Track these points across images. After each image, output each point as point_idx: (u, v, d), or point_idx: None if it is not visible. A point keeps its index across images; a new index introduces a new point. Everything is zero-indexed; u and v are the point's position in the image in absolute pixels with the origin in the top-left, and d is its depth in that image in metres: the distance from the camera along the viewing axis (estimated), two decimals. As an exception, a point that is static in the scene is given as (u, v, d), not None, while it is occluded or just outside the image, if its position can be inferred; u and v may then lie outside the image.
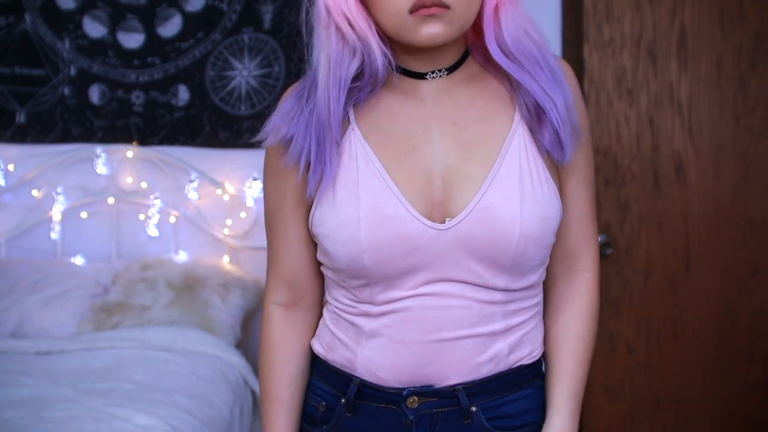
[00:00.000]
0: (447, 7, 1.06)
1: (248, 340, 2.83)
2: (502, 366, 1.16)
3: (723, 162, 2.57)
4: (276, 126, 1.17)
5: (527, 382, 1.20)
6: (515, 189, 1.10)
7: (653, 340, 2.63)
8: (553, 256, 1.22)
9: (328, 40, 1.12)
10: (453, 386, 1.14)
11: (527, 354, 1.19)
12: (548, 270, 1.23)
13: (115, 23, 2.91)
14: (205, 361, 2.36)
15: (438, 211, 1.11)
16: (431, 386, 1.14)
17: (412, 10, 1.06)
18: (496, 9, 1.12)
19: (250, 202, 2.85)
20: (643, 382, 2.64)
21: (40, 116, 2.94)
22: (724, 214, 2.58)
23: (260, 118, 2.91)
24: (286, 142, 1.16)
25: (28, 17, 2.92)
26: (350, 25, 1.10)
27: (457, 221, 1.09)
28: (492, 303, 1.13)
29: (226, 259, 2.87)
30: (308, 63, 1.16)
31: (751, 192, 2.57)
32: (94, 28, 2.92)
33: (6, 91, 2.95)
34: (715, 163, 2.57)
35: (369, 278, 1.13)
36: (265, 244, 3.07)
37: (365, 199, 1.11)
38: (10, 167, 2.93)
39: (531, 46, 1.13)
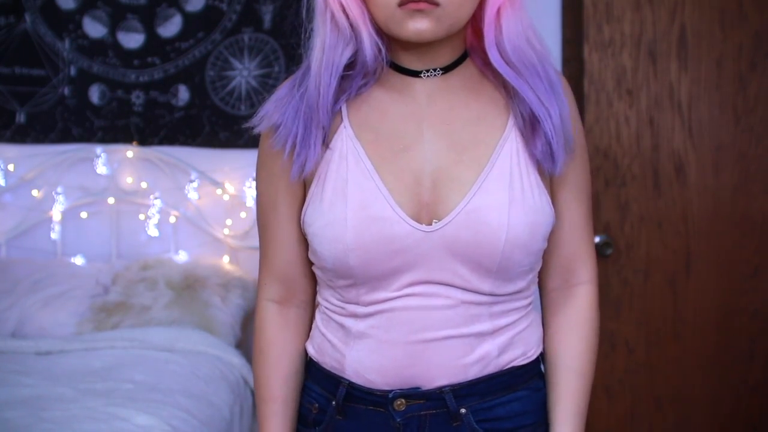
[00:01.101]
0: (436, 3, 1.05)
1: (248, 340, 2.83)
2: (491, 368, 1.14)
3: (723, 162, 2.57)
4: (269, 112, 1.17)
5: (522, 384, 1.18)
6: (504, 193, 1.09)
7: (653, 340, 2.63)
8: (548, 269, 1.21)
9: (323, 26, 1.12)
10: (440, 388, 1.13)
11: (520, 355, 1.17)
12: (545, 283, 1.22)
13: (115, 23, 2.91)
14: (205, 361, 2.36)
15: (426, 213, 1.10)
16: (418, 388, 1.13)
17: (401, 3, 1.05)
18: (498, 13, 1.10)
19: (250, 202, 2.85)
20: (643, 382, 2.64)
21: (40, 116, 2.94)
22: (724, 214, 2.58)
23: (260, 118, 2.91)
24: (276, 128, 1.16)
25: (28, 17, 2.92)
26: (344, 12, 1.10)
27: (444, 224, 1.09)
28: (478, 304, 1.12)
29: (226, 259, 2.87)
30: (304, 49, 1.17)
31: (751, 192, 2.57)
32: (94, 28, 2.92)
33: (6, 91, 2.95)
34: (715, 163, 2.57)
35: (355, 278, 1.12)
36: (265, 244, 3.04)
37: (353, 198, 1.10)
38: (10, 167, 2.93)
39: (531, 55, 1.11)
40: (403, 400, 1.13)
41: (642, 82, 2.58)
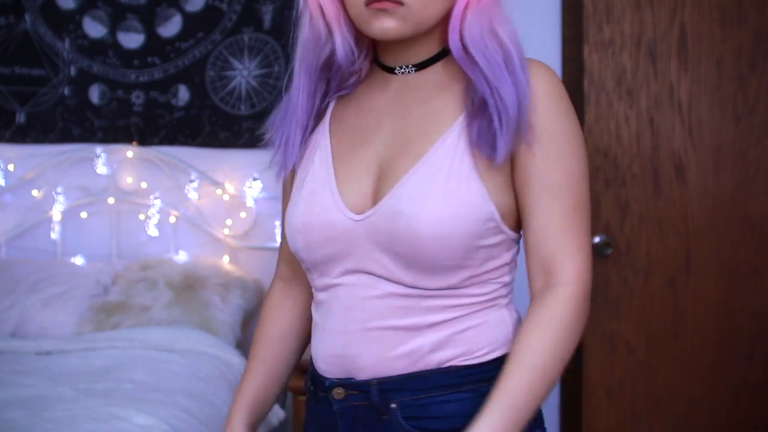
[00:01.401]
0: (400, 3, 1.06)
1: (248, 340, 2.83)
2: (422, 364, 1.11)
3: (723, 162, 2.57)
4: (273, 118, 1.24)
5: (467, 385, 1.12)
6: (427, 185, 1.08)
7: (653, 340, 2.63)
8: (530, 271, 1.15)
9: (303, 27, 1.17)
10: (368, 380, 1.13)
11: (460, 354, 1.12)
12: (530, 287, 1.17)
13: (115, 23, 2.91)
14: (204, 361, 2.36)
15: (369, 204, 1.13)
16: (352, 379, 1.14)
17: (368, 3, 1.07)
18: (467, 7, 1.11)
19: (250, 202, 2.85)
20: (643, 382, 2.64)
21: (40, 116, 2.94)
22: (724, 214, 2.58)
23: (260, 118, 2.91)
24: (270, 130, 1.24)
25: (28, 17, 2.92)
26: (322, 13, 1.14)
27: (370, 214, 1.11)
28: (406, 296, 1.11)
29: (226, 259, 2.87)
30: (291, 50, 1.22)
31: (751, 192, 2.57)
32: (94, 28, 2.92)
33: (6, 91, 2.95)
34: (715, 163, 2.57)
35: (305, 263, 1.18)
36: (264, 244, 3.06)
37: (307, 187, 1.17)
38: (10, 167, 2.93)
39: (494, 47, 1.10)
40: (342, 390, 1.15)
41: (642, 82, 2.58)
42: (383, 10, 1.07)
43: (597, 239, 2.61)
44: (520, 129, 1.08)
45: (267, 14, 2.88)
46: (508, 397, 1.06)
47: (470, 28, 1.10)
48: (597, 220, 2.62)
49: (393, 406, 1.12)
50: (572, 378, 2.66)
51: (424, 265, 1.09)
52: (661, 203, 2.59)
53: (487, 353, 1.13)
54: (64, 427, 1.83)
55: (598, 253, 2.61)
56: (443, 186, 1.07)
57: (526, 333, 1.10)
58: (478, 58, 1.09)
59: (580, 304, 1.11)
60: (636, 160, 2.59)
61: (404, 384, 1.12)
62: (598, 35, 2.58)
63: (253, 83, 2.90)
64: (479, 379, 1.13)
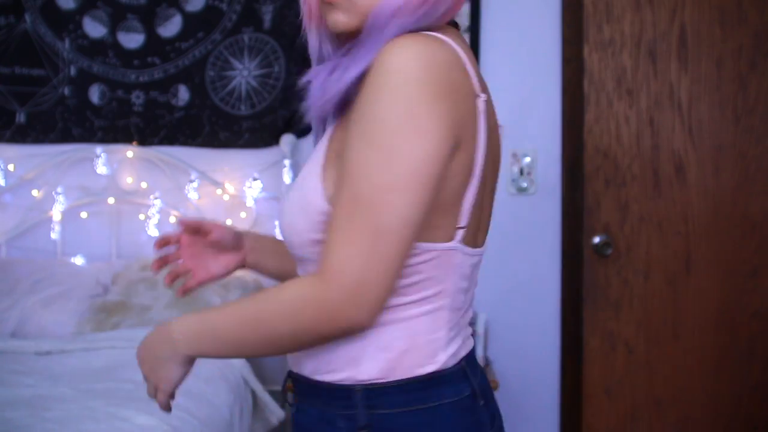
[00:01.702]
0: None
1: (248, 340, 2.83)
2: (300, 366, 1.11)
3: (723, 162, 2.57)
4: None
5: (317, 404, 1.09)
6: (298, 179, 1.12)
7: (653, 340, 2.63)
8: None
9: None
10: (290, 374, 1.15)
11: (314, 367, 1.08)
12: None
13: (115, 23, 2.91)
14: (204, 361, 2.36)
15: None
16: (292, 371, 1.16)
17: None
18: None
19: (250, 202, 2.85)
20: (643, 382, 2.64)
21: (40, 116, 2.94)
22: (724, 214, 2.58)
23: (260, 118, 2.92)
24: None
25: (28, 17, 2.92)
26: (309, 12, 1.15)
27: None
28: None
29: (226, 259, 2.87)
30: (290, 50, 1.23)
31: (751, 192, 2.57)
32: (94, 28, 2.92)
33: (6, 91, 2.95)
34: (715, 163, 2.57)
35: None
36: (265, 244, 3.03)
37: None
38: (10, 167, 2.93)
39: (381, 22, 1.04)
40: (291, 381, 1.16)
41: (642, 82, 2.58)
42: (330, 4, 1.08)
43: (597, 239, 2.61)
44: (327, 101, 1.06)
45: (267, 14, 2.88)
46: (213, 319, 1.09)
47: (380, 6, 1.05)
48: (597, 220, 2.62)
49: (296, 401, 1.14)
50: (572, 378, 2.66)
51: (296, 255, 1.11)
52: (661, 203, 2.59)
53: (333, 373, 1.06)
54: (64, 427, 1.83)
55: (598, 253, 2.61)
56: (300, 178, 1.09)
57: (265, 290, 1.05)
58: (363, 34, 1.05)
59: (316, 301, 0.97)
60: (636, 160, 2.59)
61: (296, 382, 1.13)
62: (598, 35, 2.58)
63: (253, 83, 2.90)
64: (325, 403, 1.07)
